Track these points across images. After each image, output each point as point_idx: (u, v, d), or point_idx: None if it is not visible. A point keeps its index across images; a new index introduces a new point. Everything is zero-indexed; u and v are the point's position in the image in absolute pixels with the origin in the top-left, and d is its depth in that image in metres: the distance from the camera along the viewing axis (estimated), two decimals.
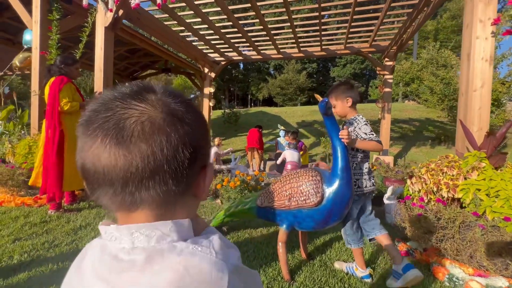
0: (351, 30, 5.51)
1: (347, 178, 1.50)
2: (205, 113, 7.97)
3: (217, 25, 5.56)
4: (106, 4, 3.60)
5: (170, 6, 4.69)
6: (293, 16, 5.12)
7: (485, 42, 2.44)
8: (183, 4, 4.55)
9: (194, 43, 6.63)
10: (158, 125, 0.33)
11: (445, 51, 14.19)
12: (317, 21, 5.19)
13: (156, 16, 5.30)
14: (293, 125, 12.02)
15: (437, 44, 16.06)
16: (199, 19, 5.09)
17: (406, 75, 15.87)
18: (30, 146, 3.43)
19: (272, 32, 5.72)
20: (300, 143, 6.06)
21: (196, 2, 4.40)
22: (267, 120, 12.79)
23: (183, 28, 5.45)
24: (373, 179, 1.73)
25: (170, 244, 0.33)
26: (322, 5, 4.55)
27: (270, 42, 6.23)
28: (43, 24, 4.00)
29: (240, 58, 7.32)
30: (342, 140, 1.50)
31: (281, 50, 6.84)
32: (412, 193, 2.34)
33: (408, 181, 2.38)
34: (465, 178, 2.05)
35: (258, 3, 4.55)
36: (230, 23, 5.25)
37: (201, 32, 5.92)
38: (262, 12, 4.96)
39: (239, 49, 6.94)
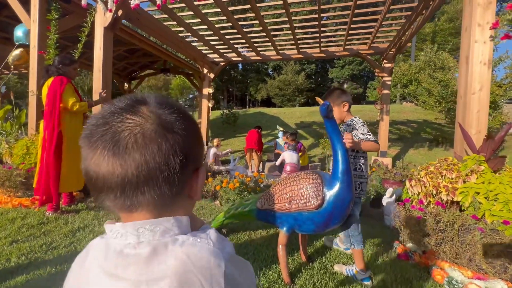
0: (350, 32, 5.53)
1: (347, 181, 1.50)
2: (204, 113, 7.95)
3: (216, 25, 5.56)
4: (106, 4, 3.58)
5: (170, 6, 4.68)
6: (293, 18, 5.13)
7: (483, 45, 2.45)
8: (183, 4, 4.54)
9: (193, 44, 6.62)
10: (150, 136, 0.36)
11: (443, 53, 14.30)
12: (317, 22, 5.20)
13: (156, 17, 5.29)
14: (291, 126, 12.03)
15: (435, 46, 16.18)
16: (199, 20, 5.09)
17: (404, 77, 15.97)
18: (28, 146, 3.39)
19: (271, 33, 5.73)
20: (299, 144, 6.07)
21: (195, 3, 4.40)
22: (265, 121, 12.79)
23: (182, 28, 5.44)
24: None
25: (172, 237, 0.38)
26: (322, 7, 4.57)
27: (269, 43, 6.24)
28: (42, 24, 3.97)
29: (239, 58, 7.33)
30: (346, 144, 1.51)
31: (280, 51, 6.84)
32: (412, 195, 2.35)
33: (408, 184, 2.39)
34: (464, 181, 2.06)
35: (258, 4, 4.56)
36: (230, 24, 5.25)
37: (201, 33, 5.91)
38: (262, 13, 4.96)
39: (238, 50, 6.94)
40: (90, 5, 3.85)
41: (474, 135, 2.42)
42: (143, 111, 0.38)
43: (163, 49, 7.63)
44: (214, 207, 3.24)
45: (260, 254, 1.99)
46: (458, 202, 2.05)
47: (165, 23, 5.43)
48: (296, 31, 5.72)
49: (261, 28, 5.42)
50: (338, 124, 1.65)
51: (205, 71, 7.74)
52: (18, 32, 4.27)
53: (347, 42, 6.23)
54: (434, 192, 2.15)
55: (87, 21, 3.77)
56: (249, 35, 6.04)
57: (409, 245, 2.16)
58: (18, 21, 4.29)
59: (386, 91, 6.58)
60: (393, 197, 2.94)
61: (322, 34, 5.78)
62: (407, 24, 4.70)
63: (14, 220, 2.50)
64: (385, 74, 6.53)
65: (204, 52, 7.20)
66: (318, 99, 1.62)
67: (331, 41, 6.70)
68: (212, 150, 6.31)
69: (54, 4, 3.74)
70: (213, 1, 4.36)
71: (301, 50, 6.75)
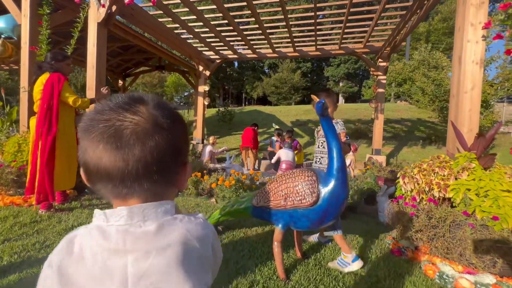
0: (345, 30, 5.56)
1: (342, 178, 1.52)
2: (200, 111, 7.91)
3: (212, 22, 5.52)
4: None
5: (165, 2, 4.63)
6: (288, 16, 5.12)
7: (476, 45, 2.49)
8: (178, 0, 4.50)
9: (188, 41, 6.57)
10: (148, 134, 0.42)
11: (437, 52, 14.47)
12: (312, 21, 5.21)
13: (150, 13, 5.22)
14: (287, 124, 12.06)
15: (429, 45, 16.36)
16: (194, 17, 5.04)
17: (399, 76, 16.13)
18: (20, 144, 3.33)
19: (268, 31, 5.71)
20: (295, 142, 6.09)
21: (191, 0, 4.36)
22: (261, 119, 12.78)
23: (177, 25, 5.39)
24: None
25: (172, 216, 0.45)
26: (318, 5, 4.57)
27: (265, 41, 6.23)
28: (33, 18, 3.88)
29: (235, 56, 7.30)
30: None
31: (276, 49, 6.84)
32: (405, 192, 2.38)
33: (401, 181, 2.42)
34: (456, 178, 2.10)
35: (254, 2, 4.54)
36: (225, 21, 5.22)
37: (196, 30, 5.87)
38: (258, 10, 4.94)
39: (234, 47, 6.90)
40: (83, 0, 3.78)
41: (466, 133, 2.47)
42: (142, 111, 0.43)
43: (158, 46, 7.54)
44: (209, 205, 3.24)
45: (255, 251, 2.00)
46: (449, 199, 2.09)
47: (160, 20, 5.37)
48: (292, 29, 5.72)
49: (257, 26, 5.40)
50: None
51: (201, 68, 7.69)
52: (0, 23, 4.15)
53: (343, 41, 6.26)
54: (427, 189, 2.18)
55: (80, 17, 3.70)
56: (245, 33, 6.02)
57: (402, 241, 2.20)
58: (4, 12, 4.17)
59: (381, 90, 6.64)
60: (386, 193, 2.98)
61: (318, 32, 5.79)
62: (402, 23, 4.74)
63: (6, 218, 2.45)
64: (380, 73, 6.58)
65: (199, 49, 7.14)
66: (314, 97, 1.63)
67: (327, 40, 6.72)
68: (208, 148, 6.30)
69: None
70: None
71: (297, 48, 6.75)
